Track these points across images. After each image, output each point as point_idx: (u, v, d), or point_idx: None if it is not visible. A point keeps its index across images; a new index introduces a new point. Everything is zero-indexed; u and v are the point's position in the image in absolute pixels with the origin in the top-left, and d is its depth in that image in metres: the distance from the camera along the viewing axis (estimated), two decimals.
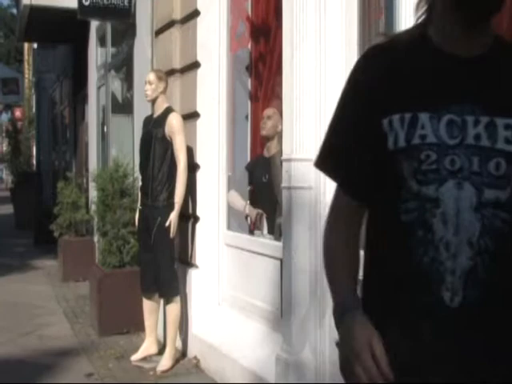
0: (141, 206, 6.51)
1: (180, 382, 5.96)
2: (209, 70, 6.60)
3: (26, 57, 35.99)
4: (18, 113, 35.32)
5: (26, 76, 32.64)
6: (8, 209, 24.63)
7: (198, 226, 6.64)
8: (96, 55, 11.85)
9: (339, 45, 4.74)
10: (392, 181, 1.82)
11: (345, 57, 4.71)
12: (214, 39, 6.59)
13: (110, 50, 10.87)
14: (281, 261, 5.15)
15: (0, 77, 29.83)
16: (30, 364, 6.59)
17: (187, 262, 6.71)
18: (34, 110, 27.32)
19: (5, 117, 51.09)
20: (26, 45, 33.53)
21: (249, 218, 6.33)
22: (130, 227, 7.37)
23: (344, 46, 4.71)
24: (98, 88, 11.71)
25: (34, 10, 12.18)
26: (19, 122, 32.96)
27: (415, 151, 1.77)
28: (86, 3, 9.12)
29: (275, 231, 5.78)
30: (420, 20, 1.92)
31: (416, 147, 1.77)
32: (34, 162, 24.99)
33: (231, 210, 6.62)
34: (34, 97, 27.00)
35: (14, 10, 31.64)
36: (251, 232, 6.29)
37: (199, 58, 6.59)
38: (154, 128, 6.33)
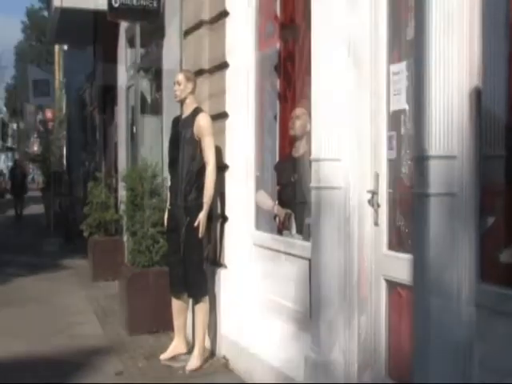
0: (170, 205, 6.50)
1: (209, 381, 5.93)
2: (237, 71, 6.57)
3: (56, 58, 36.27)
4: (48, 114, 35.56)
5: (57, 77, 32.88)
6: (40, 209, 24.80)
7: (227, 225, 6.61)
8: (125, 56, 11.89)
9: (367, 44, 4.69)
10: None
11: (374, 57, 4.66)
12: (242, 40, 6.57)
13: (139, 50, 10.89)
14: (309, 261, 5.11)
15: (32, 78, 30.06)
16: (60, 362, 6.61)
17: (216, 262, 6.68)
18: (63, 111, 27.50)
19: (36, 119, 51.62)
20: (56, 47, 33.82)
21: (277, 218, 6.28)
22: (159, 227, 7.35)
23: (373, 45, 4.66)
24: (127, 89, 11.74)
25: (65, 12, 12.29)
26: (50, 122, 33.22)
27: None
28: (116, 5, 9.18)
29: (304, 231, 5.73)
30: None
31: None
32: (65, 162, 25.15)
33: (260, 210, 6.58)
34: (64, 98, 27.17)
35: (46, 13, 31.82)
36: (280, 232, 6.24)
37: (228, 59, 6.56)
38: (183, 128, 6.32)
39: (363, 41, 4.70)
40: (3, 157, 62.67)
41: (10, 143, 77.98)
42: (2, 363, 6.61)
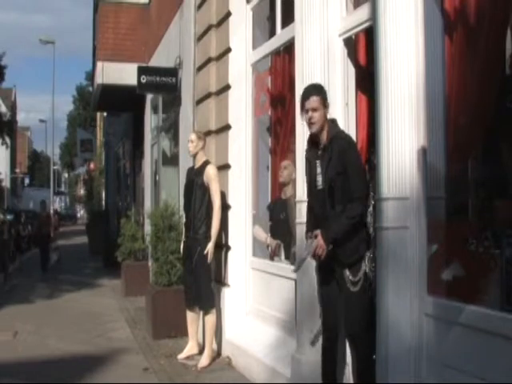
0: (185, 237, 6.47)
1: (216, 376, 5.86)
2: (238, 131, 6.58)
3: (98, 123, 36.51)
4: (91, 166, 35.76)
5: (98, 137, 33.06)
6: (83, 239, 24.79)
7: (230, 253, 6.57)
8: (150, 120, 11.97)
9: (340, 113, 4.70)
10: None
11: (344, 122, 4.68)
12: (241, 107, 6.59)
13: (161, 116, 10.97)
14: (295, 281, 5.07)
15: (79, 138, 30.31)
16: (100, 359, 6.56)
17: (221, 281, 6.63)
18: (103, 163, 27.58)
19: (82, 169, 51.97)
20: (98, 114, 34.04)
21: (269, 247, 6.25)
22: (177, 254, 7.31)
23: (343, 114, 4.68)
24: (152, 146, 11.79)
25: (105, 87, 12.41)
26: (92, 172, 33.37)
27: None
28: (143, 81, 9.33)
29: (290, 257, 5.70)
30: None
31: None
32: (103, 203, 25.16)
33: (256, 241, 6.55)
34: (103, 153, 27.27)
35: (90, 88, 32.13)
36: (271, 258, 6.20)
37: (230, 122, 6.57)
38: (195, 177, 6.31)
39: (336, 109, 4.72)
40: (58, 199, 63.06)
41: (62, 188, 78.47)
42: (55, 359, 6.65)
